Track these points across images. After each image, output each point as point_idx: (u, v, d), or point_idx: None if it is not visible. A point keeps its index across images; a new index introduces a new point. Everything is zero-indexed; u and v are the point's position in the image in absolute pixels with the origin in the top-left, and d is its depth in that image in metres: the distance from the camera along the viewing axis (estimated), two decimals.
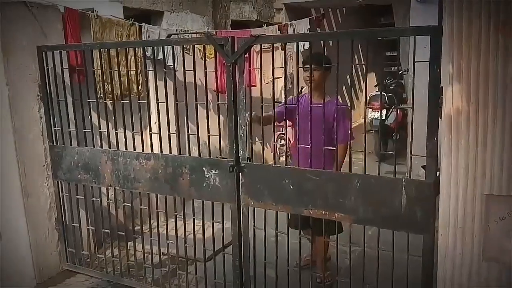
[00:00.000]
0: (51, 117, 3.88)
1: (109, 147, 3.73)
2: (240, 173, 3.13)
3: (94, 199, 3.90)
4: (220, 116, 3.23)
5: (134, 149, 3.61)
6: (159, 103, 3.44)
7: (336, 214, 2.84)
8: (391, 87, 8.20)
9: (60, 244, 4.07)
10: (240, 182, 3.14)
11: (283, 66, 3.16)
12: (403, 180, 2.61)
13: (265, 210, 3.12)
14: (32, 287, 3.86)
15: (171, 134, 3.41)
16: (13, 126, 3.67)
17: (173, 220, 3.49)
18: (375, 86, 8.59)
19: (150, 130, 3.68)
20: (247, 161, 3.11)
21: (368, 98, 7.76)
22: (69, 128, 3.88)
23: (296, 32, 6.83)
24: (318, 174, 2.88)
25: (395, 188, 2.62)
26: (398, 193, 2.61)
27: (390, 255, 2.74)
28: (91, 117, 3.79)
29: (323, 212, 2.88)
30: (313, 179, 2.88)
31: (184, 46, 3.92)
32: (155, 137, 3.57)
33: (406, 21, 6.40)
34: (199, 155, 3.42)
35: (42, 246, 3.94)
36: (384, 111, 7.45)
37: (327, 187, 2.84)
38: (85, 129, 3.82)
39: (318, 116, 2.94)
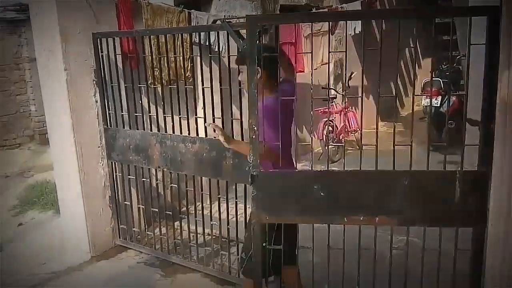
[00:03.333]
0: (106, 101, 4.07)
1: (158, 130, 3.88)
2: None
3: (145, 179, 4.07)
4: None
5: (181, 133, 3.73)
6: (204, 88, 3.52)
7: (376, 218, 2.51)
8: (447, 73, 7.93)
9: (113, 221, 4.31)
10: None
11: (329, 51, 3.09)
12: (457, 172, 2.36)
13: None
14: (87, 260, 4.12)
15: (215, 119, 3.51)
16: (71, 109, 3.89)
17: (217, 202, 3.60)
18: (431, 71, 8.32)
19: (197, 114, 3.78)
20: None
21: (422, 84, 7.55)
22: (122, 112, 4.06)
23: None
24: (355, 175, 2.54)
25: (449, 181, 2.38)
26: (452, 187, 2.37)
27: (436, 246, 2.55)
28: (141, 101, 3.96)
29: (361, 218, 2.52)
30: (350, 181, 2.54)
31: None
32: (201, 122, 3.68)
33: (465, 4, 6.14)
34: (242, 139, 3.49)
35: (97, 223, 4.18)
36: (439, 98, 7.22)
37: (367, 189, 2.51)
38: (136, 113, 3.99)
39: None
